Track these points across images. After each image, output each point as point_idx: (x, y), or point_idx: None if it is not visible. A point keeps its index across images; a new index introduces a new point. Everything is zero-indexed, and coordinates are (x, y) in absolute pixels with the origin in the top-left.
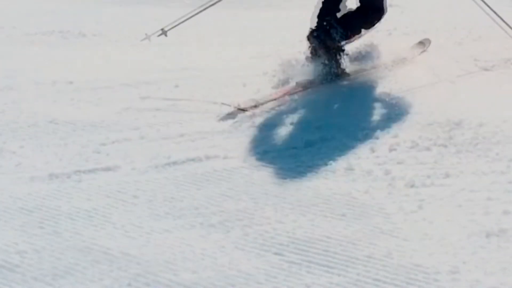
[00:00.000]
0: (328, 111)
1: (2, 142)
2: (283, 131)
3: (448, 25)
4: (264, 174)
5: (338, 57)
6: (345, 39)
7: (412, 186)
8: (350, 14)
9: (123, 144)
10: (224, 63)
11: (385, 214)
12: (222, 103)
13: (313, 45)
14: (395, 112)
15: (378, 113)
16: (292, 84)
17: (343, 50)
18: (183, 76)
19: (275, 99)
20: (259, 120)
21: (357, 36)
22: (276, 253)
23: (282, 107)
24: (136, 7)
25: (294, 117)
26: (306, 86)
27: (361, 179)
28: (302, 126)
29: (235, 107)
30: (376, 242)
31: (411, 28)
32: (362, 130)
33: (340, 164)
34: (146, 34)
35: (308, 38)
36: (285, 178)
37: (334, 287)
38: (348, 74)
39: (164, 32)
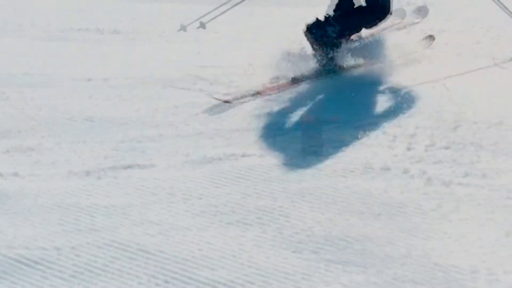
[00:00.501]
0: (347, 108)
1: (38, 139)
2: (302, 128)
3: (467, 23)
4: (283, 172)
5: (333, 52)
6: (342, 37)
7: (449, 185)
8: (352, 12)
9: (159, 141)
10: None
11: (421, 213)
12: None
13: (309, 41)
14: (426, 111)
15: (411, 112)
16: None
17: (337, 46)
18: (219, 73)
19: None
20: (277, 117)
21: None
22: (313, 251)
23: (296, 103)
24: (171, 4)
25: (312, 114)
26: (309, 78)
27: (396, 178)
28: (322, 124)
29: (222, 100)
30: (412, 242)
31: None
32: (397, 126)
33: (376, 163)
34: (181, 25)
35: (305, 33)
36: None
37: (371, 286)
38: (344, 69)
39: (202, 25)
